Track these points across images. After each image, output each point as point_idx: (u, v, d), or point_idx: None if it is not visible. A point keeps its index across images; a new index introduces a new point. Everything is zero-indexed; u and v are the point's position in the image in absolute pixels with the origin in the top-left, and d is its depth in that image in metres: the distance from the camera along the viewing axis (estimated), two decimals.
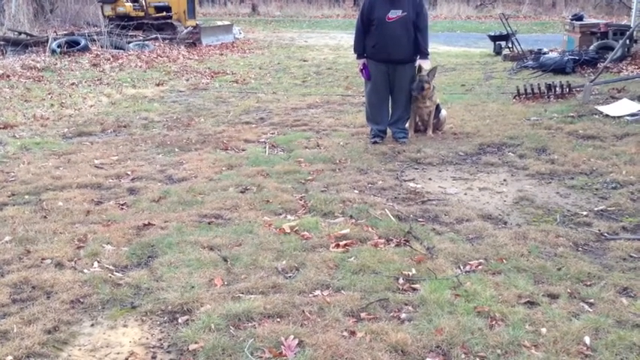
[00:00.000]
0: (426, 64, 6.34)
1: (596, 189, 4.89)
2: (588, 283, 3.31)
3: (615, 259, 3.62)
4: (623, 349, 2.69)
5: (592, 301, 3.12)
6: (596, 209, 4.45)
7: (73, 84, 10.93)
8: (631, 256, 3.66)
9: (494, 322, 2.91)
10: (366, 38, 6.33)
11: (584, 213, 4.38)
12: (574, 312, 3.02)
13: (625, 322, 2.91)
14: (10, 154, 6.26)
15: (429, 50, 6.48)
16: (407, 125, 6.70)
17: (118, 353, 2.68)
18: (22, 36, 14.96)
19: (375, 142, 6.47)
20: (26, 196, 4.80)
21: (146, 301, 3.09)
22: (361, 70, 6.46)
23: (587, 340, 2.75)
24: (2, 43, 13.93)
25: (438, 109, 6.63)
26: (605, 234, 3.97)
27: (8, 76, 11.40)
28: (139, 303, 3.08)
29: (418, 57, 6.36)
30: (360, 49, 6.43)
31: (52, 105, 9.05)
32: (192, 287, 3.22)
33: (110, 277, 3.36)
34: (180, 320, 2.92)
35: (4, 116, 8.14)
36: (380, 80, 6.42)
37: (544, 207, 4.53)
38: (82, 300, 3.10)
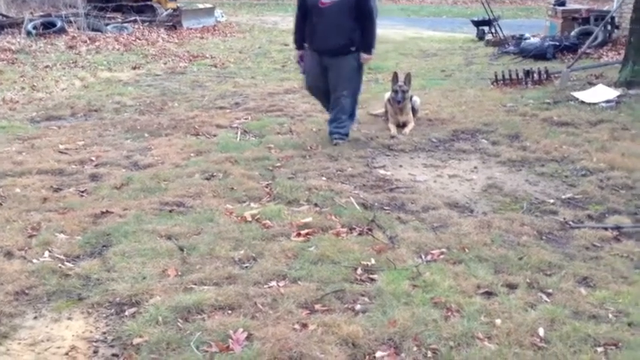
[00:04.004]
0: (367, 59, 5.66)
1: (566, 176, 4.85)
2: (548, 273, 3.27)
3: (578, 248, 3.58)
4: (577, 340, 2.65)
5: (550, 291, 3.08)
6: (563, 197, 4.40)
7: (47, 67, 10.69)
8: (594, 245, 3.62)
9: (449, 314, 2.85)
10: (306, 27, 5.65)
11: (551, 201, 4.33)
12: (531, 302, 2.97)
13: (581, 313, 2.87)
14: None
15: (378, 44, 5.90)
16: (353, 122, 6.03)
17: (59, 347, 2.59)
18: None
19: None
20: None
21: (94, 293, 3.00)
22: (298, 62, 5.90)
23: (541, 331, 2.70)
24: None
25: (410, 96, 6.52)
26: (570, 222, 3.93)
27: None
28: (86, 295, 2.99)
29: (358, 50, 5.56)
30: (299, 40, 5.76)
31: (22, 88, 8.84)
32: (144, 278, 3.14)
33: (60, 267, 3.26)
34: (127, 313, 2.83)
35: None
36: (315, 73, 5.76)
37: (512, 195, 4.48)
38: (27, 291, 3.00)
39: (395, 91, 6.24)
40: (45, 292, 3.00)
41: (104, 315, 2.84)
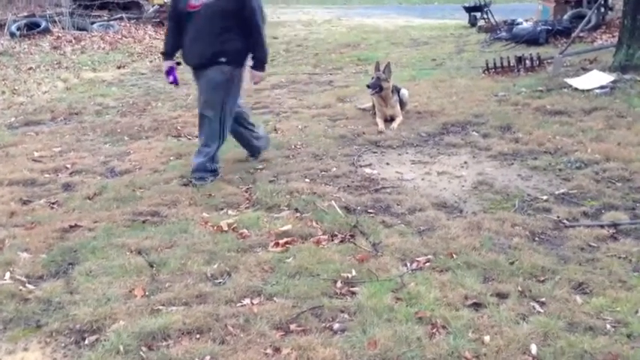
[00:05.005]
0: (257, 77, 4.69)
1: (560, 169, 4.64)
2: (541, 279, 3.06)
3: (572, 250, 3.37)
4: (572, 357, 2.45)
5: (543, 300, 2.87)
6: (557, 192, 4.19)
7: (30, 69, 10.45)
8: (589, 246, 3.41)
9: (435, 330, 2.65)
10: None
11: (545, 197, 4.12)
12: (523, 314, 2.76)
13: (577, 325, 2.66)
14: None
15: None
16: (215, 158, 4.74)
17: None
18: None
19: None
20: None
21: (54, 319, 2.79)
22: (166, 73, 4.80)
23: (533, 348, 2.50)
24: None
25: (397, 88, 6.29)
26: (564, 221, 3.72)
27: None
28: (45, 321, 2.78)
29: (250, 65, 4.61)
30: (168, 48, 4.74)
31: (3, 92, 8.61)
32: (109, 300, 2.93)
33: (20, 290, 3.05)
34: (87, 341, 2.63)
35: None
36: (198, 94, 4.73)
37: (503, 192, 4.27)
38: None
39: (371, 79, 6.02)
40: (1, 320, 2.79)
41: (62, 345, 2.63)
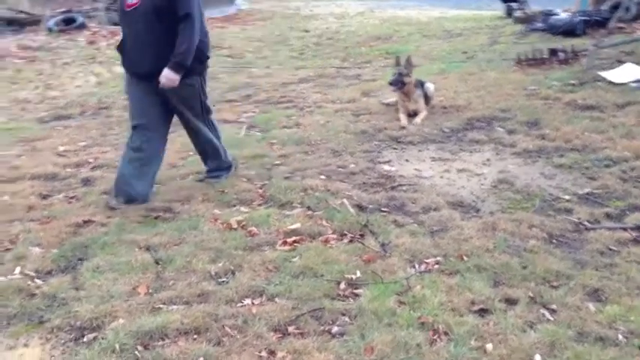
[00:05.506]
0: (168, 80, 3.86)
1: (586, 168, 4.46)
2: (555, 285, 2.94)
3: (591, 254, 3.22)
4: None
5: (554, 307, 2.76)
6: (580, 192, 4.03)
7: (65, 63, 10.66)
8: (609, 249, 3.26)
9: (436, 336, 2.57)
10: None
11: (567, 197, 3.96)
12: (531, 321, 2.65)
13: (587, 335, 2.54)
14: None
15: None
16: (224, 161, 4.56)
17: None
18: (21, 15, 14.70)
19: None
20: None
21: (56, 315, 2.81)
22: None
23: (537, 359, 2.39)
24: None
25: (422, 82, 6.16)
26: (585, 223, 3.56)
27: (2, 57, 11.18)
28: (48, 317, 2.80)
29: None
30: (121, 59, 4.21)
31: (37, 87, 8.80)
32: (112, 297, 2.93)
33: (28, 285, 3.08)
34: (85, 339, 2.63)
35: None
36: (135, 100, 4.19)
37: (524, 191, 4.12)
38: None
39: (393, 75, 5.91)
40: (5, 315, 2.83)
41: (62, 341, 2.64)
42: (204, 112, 4.38)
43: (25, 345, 2.64)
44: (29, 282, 3.13)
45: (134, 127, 4.19)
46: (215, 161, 4.55)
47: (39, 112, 7.27)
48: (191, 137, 4.56)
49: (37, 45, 12.40)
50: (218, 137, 4.55)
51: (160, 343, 2.58)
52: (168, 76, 3.87)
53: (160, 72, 3.87)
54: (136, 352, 2.51)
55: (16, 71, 10.00)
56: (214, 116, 4.59)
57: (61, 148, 5.65)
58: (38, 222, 3.90)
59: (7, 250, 3.51)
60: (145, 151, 4.14)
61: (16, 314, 2.84)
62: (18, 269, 3.25)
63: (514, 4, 13.68)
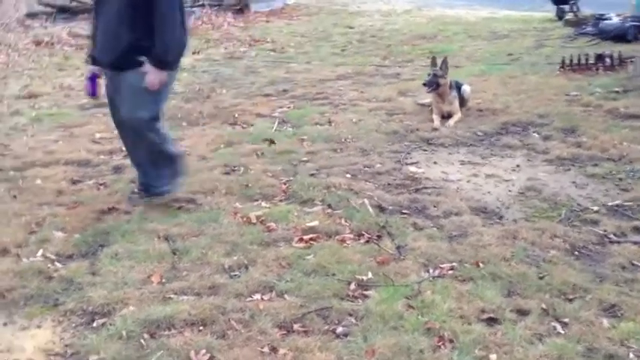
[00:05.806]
0: (153, 76, 3.61)
1: (620, 179, 4.30)
2: (570, 298, 2.85)
3: (612, 268, 3.11)
4: None
5: (567, 320, 2.67)
6: (610, 204, 3.89)
7: None
8: (632, 264, 3.14)
9: (440, 343, 2.53)
10: None
11: (595, 208, 3.84)
12: (540, 334, 2.59)
13: (596, 351, 2.46)
14: (20, 125, 6.23)
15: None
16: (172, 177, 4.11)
17: None
18: (73, 3, 15.14)
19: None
20: (11, 172, 4.69)
21: (71, 299, 2.90)
22: (88, 79, 3.98)
23: None
24: (49, 10, 14.10)
25: (458, 84, 6.06)
26: (610, 235, 3.44)
27: (52, 44, 11.52)
28: (63, 300, 2.89)
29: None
30: (91, 50, 3.96)
31: (82, 74, 9.03)
32: (125, 284, 3.00)
33: (48, 267, 3.18)
34: (95, 324, 2.70)
35: (32, 85, 8.19)
36: (109, 97, 3.99)
37: (551, 199, 4.01)
38: (5, 294, 2.93)
39: (428, 75, 5.83)
40: (23, 296, 2.93)
41: (74, 325, 2.72)
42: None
43: (38, 326, 2.72)
44: (49, 265, 3.23)
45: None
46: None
47: (81, 99, 7.47)
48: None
49: (87, 33, 12.74)
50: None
51: (167, 332, 2.63)
52: (150, 76, 3.63)
53: (119, 63, 3.65)
54: (142, 340, 2.56)
55: (64, 58, 10.30)
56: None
57: (97, 135, 5.79)
58: (65, 207, 4.01)
59: (33, 232, 3.63)
60: None
61: (33, 296, 2.94)
62: (40, 252, 3.36)
63: (566, 7, 13.30)
